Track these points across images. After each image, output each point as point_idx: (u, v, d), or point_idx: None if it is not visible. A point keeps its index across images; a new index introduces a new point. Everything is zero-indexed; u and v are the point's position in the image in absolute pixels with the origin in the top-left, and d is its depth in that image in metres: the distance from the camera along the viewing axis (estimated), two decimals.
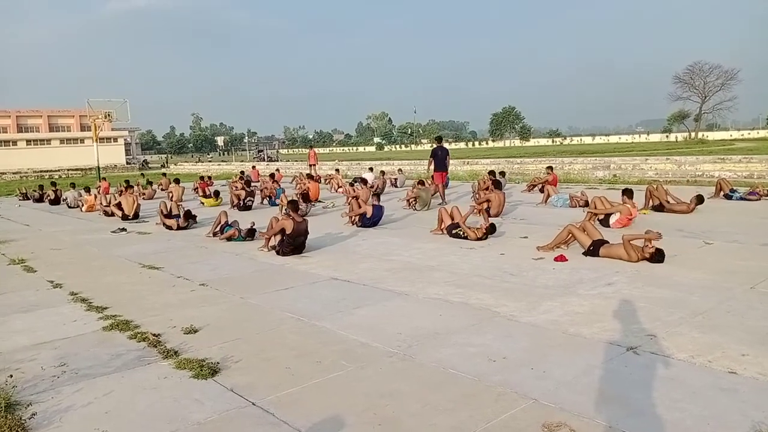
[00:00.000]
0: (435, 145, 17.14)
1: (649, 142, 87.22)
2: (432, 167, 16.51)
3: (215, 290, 7.26)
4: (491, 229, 10.02)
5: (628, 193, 10.83)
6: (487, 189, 13.61)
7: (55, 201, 21.91)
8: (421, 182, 16.15)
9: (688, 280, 6.75)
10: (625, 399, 3.83)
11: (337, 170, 27.34)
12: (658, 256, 7.59)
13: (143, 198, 20.72)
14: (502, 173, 18.73)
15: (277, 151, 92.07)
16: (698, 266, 7.43)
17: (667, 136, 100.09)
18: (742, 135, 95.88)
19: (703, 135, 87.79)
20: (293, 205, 9.83)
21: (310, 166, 30.11)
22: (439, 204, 14.61)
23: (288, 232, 9.15)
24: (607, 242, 8.20)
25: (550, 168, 19.13)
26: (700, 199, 12.23)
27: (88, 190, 20.40)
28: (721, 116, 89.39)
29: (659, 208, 12.26)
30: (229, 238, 10.98)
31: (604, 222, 10.49)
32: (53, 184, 22.19)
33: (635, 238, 7.79)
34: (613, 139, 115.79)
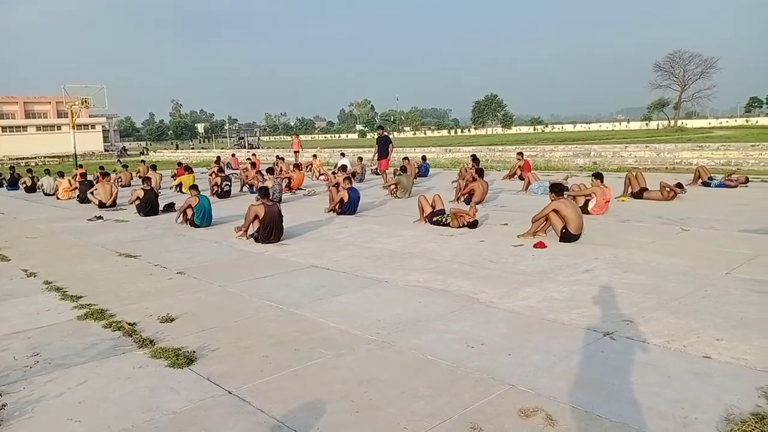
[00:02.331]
0: (378, 134, 18.54)
1: (629, 130, 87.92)
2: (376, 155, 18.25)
3: (193, 278, 7.18)
4: (473, 225, 9.99)
5: (598, 176, 10.91)
6: (473, 180, 13.59)
7: (31, 188, 21.54)
8: (403, 168, 16.19)
9: (665, 266, 6.81)
10: (601, 384, 3.85)
11: (315, 156, 27.20)
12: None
13: (120, 184, 20.42)
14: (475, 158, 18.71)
15: (258, 138, 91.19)
16: (675, 252, 7.51)
17: (647, 124, 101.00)
18: (721, 123, 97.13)
19: (682, 123, 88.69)
20: (263, 190, 9.77)
21: (295, 153, 29.93)
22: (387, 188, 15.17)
23: (260, 216, 9.11)
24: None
25: (520, 154, 19.29)
26: (679, 186, 12.37)
27: (62, 174, 20.04)
28: (700, 104, 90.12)
29: (638, 195, 12.36)
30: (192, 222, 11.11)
31: (583, 209, 10.53)
32: (29, 171, 21.82)
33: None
34: (594, 126, 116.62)
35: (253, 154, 28.31)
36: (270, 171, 15.69)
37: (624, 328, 4.83)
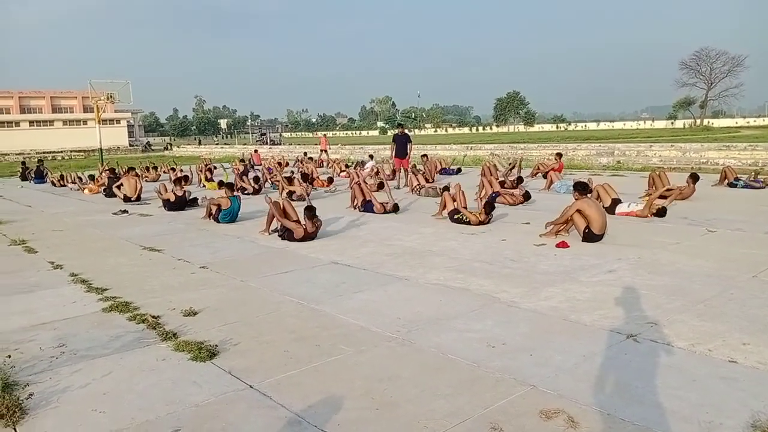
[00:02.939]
0: (396, 131, 17.67)
1: (653, 129, 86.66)
2: (392, 154, 17.23)
3: (215, 273, 7.25)
4: (489, 208, 9.99)
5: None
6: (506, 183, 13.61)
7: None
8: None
9: (690, 268, 6.71)
10: (624, 386, 3.81)
11: (335, 160, 27.20)
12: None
13: (146, 180, 20.72)
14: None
15: (280, 135, 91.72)
16: (701, 254, 7.39)
17: (672, 123, 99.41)
18: (748, 122, 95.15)
19: (708, 122, 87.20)
20: (310, 211, 9.17)
21: (322, 151, 29.93)
22: (396, 188, 15.18)
23: (296, 237, 8.99)
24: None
25: (559, 155, 18.99)
26: (694, 177, 12.15)
27: (92, 178, 20.26)
28: (727, 103, 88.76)
29: (662, 195, 12.17)
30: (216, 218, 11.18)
31: (609, 209, 10.41)
32: (62, 176, 21.96)
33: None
34: (618, 125, 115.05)
35: (283, 160, 28.10)
36: (304, 178, 15.95)
37: (648, 331, 4.77)
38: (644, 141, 32.53)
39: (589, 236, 8.17)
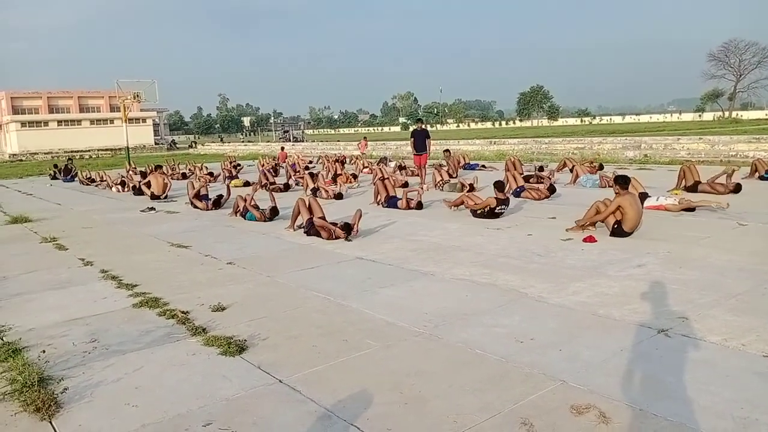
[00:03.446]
0: (415, 127, 17.24)
1: (681, 122, 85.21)
2: (413, 150, 16.79)
3: (242, 269, 7.31)
4: (499, 185, 10.27)
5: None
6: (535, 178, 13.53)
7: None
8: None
9: (722, 262, 6.59)
10: (655, 382, 3.76)
11: (358, 157, 27.17)
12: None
13: (173, 178, 20.96)
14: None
15: (303, 132, 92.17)
16: (732, 248, 7.25)
17: (699, 116, 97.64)
18: None
19: (737, 114, 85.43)
20: (347, 229, 8.86)
21: (362, 154, 29.88)
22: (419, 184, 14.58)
23: (323, 237, 8.92)
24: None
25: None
26: (737, 189, 11.73)
27: (124, 184, 20.27)
28: (757, 95, 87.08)
29: (692, 188, 11.97)
30: (243, 215, 11.22)
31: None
32: (91, 180, 22.20)
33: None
34: (644, 118, 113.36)
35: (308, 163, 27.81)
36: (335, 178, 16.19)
37: (679, 325, 4.70)
38: (671, 134, 31.98)
39: (618, 232, 8.06)
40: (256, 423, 3.46)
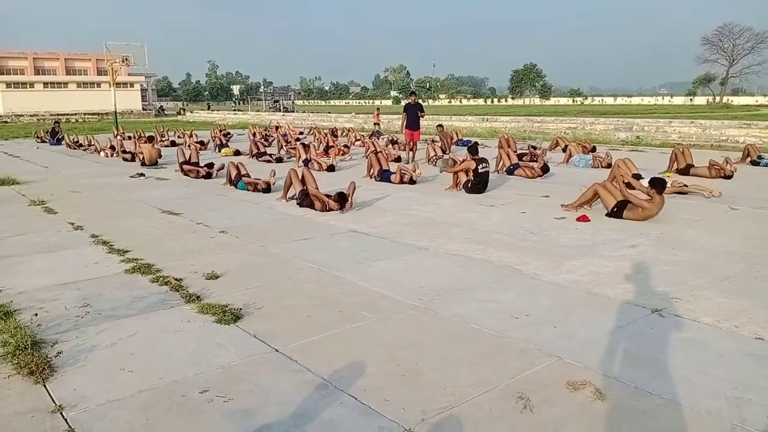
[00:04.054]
0: (408, 100, 16.06)
1: (672, 105, 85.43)
2: (403, 124, 15.66)
3: (234, 237, 7.26)
4: (472, 149, 10.55)
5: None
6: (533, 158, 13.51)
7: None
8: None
9: (714, 245, 6.64)
10: (650, 360, 3.80)
11: (350, 129, 26.96)
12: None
13: (162, 145, 20.71)
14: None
15: (293, 102, 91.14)
16: (724, 231, 7.31)
17: (691, 100, 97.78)
18: None
19: (727, 99, 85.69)
20: (341, 199, 8.81)
21: (375, 125, 29.61)
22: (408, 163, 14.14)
23: (317, 209, 8.85)
24: (631, 203, 8.06)
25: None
26: (729, 176, 11.70)
27: (113, 149, 19.89)
28: (748, 81, 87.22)
29: (684, 171, 12.02)
30: (235, 184, 11.14)
31: (628, 185, 10.29)
32: (78, 144, 21.83)
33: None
34: (635, 100, 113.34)
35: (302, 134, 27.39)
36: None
37: (672, 306, 4.74)
38: (663, 117, 32.04)
39: (616, 215, 8.04)
40: (253, 391, 3.46)
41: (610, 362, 3.77)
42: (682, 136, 21.43)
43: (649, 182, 8.08)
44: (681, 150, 12.57)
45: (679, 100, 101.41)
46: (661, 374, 3.61)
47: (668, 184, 9.95)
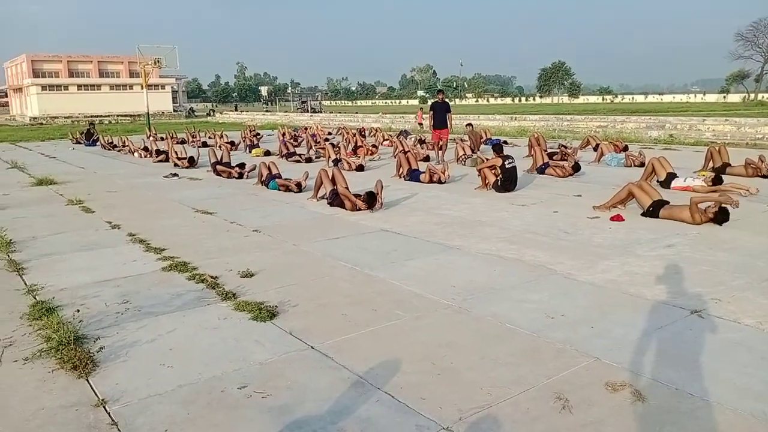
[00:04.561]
0: (435, 99, 15.62)
1: (705, 103, 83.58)
2: (431, 123, 15.28)
3: (268, 236, 7.34)
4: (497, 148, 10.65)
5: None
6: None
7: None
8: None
9: (754, 245, 6.50)
10: (691, 362, 3.73)
11: (378, 129, 27.00)
12: (722, 215, 7.30)
13: (194, 146, 21.02)
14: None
15: (320, 103, 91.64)
16: (762, 231, 7.15)
17: (724, 97, 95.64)
18: None
19: (763, 96, 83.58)
20: (371, 199, 8.83)
21: (419, 125, 29.68)
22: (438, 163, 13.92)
23: (347, 208, 8.88)
24: (668, 203, 7.92)
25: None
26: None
27: (146, 149, 20.24)
28: None
29: (720, 170, 11.76)
30: (266, 184, 11.24)
31: (664, 183, 10.14)
32: (112, 145, 22.28)
33: (705, 200, 7.45)
34: (667, 98, 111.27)
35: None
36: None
37: (712, 307, 4.65)
38: (696, 115, 31.39)
39: (653, 215, 7.89)
40: (291, 387, 3.50)
41: (649, 363, 3.72)
42: (716, 135, 20.98)
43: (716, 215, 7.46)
44: (717, 148, 12.30)
45: (712, 98, 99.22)
46: (703, 376, 3.55)
47: (703, 183, 9.79)
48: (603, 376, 3.55)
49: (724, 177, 10.98)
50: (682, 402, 3.26)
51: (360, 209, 8.77)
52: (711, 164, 12.10)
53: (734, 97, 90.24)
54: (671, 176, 10.25)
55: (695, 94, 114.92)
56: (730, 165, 11.82)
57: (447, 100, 15.99)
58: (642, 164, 12.72)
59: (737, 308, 4.62)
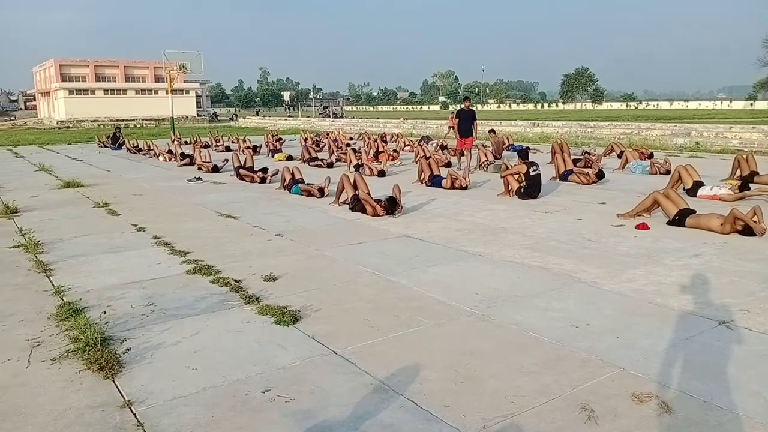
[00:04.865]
0: (461, 106, 15.36)
1: (731, 110, 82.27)
2: (456, 130, 14.97)
3: (291, 241, 7.38)
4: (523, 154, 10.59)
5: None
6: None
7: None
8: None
9: None
10: (719, 374, 3.67)
11: (400, 134, 27.04)
12: (749, 228, 7.18)
13: (217, 150, 21.26)
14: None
15: (342, 108, 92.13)
16: None
17: (751, 104, 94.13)
18: None
19: None
20: (392, 204, 8.88)
21: (450, 128, 29.67)
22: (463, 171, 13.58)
23: (368, 214, 8.88)
24: (694, 212, 7.81)
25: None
26: None
27: (169, 151, 20.45)
28: None
29: (748, 178, 11.56)
30: (289, 189, 11.30)
31: (691, 192, 9.99)
32: (137, 149, 22.60)
33: (743, 218, 7.26)
34: (692, 105, 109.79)
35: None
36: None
37: (741, 318, 4.57)
38: (722, 122, 30.93)
39: (679, 223, 7.79)
40: (314, 392, 3.50)
41: (677, 375, 3.66)
42: (744, 143, 20.66)
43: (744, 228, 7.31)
44: (744, 156, 12.10)
45: (738, 105, 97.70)
46: (731, 388, 3.48)
47: (730, 191, 9.63)
48: (629, 386, 3.51)
49: (752, 186, 10.81)
50: (710, 415, 3.20)
51: (379, 215, 8.78)
52: (738, 173, 11.91)
53: (762, 105, 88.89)
54: (698, 184, 10.10)
55: (721, 101, 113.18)
56: (758, 173, 11.61)
57: (472, 107, 15.78)
58: (667, 172, 12.56)
59: (766, 319, 4.53)
